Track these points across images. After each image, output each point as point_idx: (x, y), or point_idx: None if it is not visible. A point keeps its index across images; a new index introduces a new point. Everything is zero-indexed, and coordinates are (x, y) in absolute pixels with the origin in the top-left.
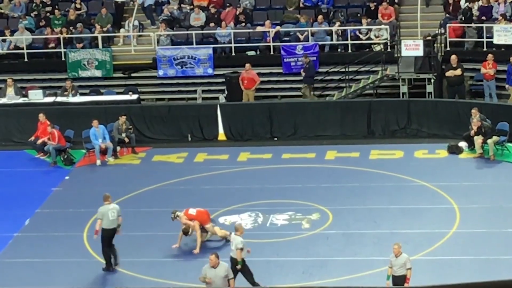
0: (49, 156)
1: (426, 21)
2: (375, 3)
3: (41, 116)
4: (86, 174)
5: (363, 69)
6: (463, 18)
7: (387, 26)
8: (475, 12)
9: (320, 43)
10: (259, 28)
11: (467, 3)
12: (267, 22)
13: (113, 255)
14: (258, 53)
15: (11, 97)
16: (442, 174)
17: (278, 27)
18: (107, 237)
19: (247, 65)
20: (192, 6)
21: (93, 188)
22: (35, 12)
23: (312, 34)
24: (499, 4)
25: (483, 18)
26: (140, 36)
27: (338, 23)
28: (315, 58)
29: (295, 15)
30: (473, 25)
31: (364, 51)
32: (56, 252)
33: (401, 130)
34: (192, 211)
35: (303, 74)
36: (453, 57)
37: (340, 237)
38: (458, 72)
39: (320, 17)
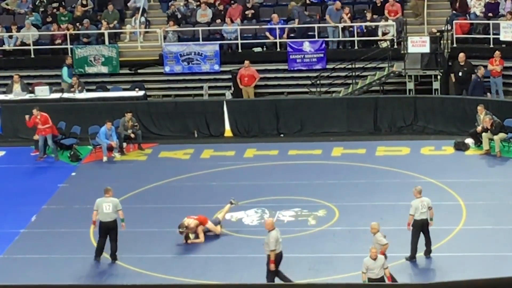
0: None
1: (433, 18)
2: (381, 0)
3: (35, 111)
4: (93, 170)
5: (369, 65)
6: None
7: (394, 23)
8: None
9: (326, 39)
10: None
11: None
12: (275, 16)
13: (111, 249)
14: (264, 50)
15: (17, 93)
16: (448, 170)
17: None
18: (102, 229)
19: (246, 62)
20: (198, 3)
21: (99, 184)
22: (42, 9)
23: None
24: (506, 1)
25: (490, 14)
26: (146, 32)
27: (347, 19)
28: (322, 55)
29: None
30: (479, 21)
31: (371, 47)
32: (62, 248)
33: (408, 127)
34: (193, 217)
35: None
36: (461, 54)
37: (346, 234)
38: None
39: (338, 3)
